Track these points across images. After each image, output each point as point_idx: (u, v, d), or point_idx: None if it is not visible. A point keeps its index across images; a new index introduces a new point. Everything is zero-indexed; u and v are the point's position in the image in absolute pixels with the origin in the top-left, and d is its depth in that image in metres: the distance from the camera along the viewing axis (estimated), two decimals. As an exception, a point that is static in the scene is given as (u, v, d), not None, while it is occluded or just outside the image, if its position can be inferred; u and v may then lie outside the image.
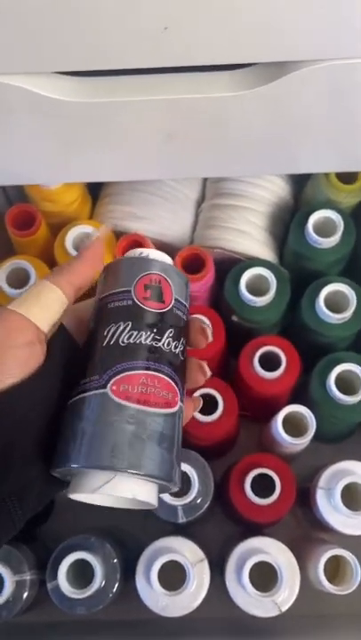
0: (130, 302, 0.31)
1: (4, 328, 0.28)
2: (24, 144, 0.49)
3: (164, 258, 0.33)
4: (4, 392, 0.27)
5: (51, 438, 0.29)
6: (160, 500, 0.56)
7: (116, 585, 0.56)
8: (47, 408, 0.29)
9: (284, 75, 0.42)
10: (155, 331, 0.30)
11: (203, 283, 0.65)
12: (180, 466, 0.30)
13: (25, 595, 0.56)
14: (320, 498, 0.58)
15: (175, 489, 0.29)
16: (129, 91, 0.44)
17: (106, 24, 0.38)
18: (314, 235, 0.63)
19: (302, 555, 0.59)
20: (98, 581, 0.54)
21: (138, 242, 0.65)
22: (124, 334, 0.30)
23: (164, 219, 0.70)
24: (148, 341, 0.30)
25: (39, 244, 0.69)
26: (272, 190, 0.70)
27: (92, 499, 0.30)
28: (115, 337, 0.30)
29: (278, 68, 0.43)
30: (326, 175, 0.66)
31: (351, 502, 0.56)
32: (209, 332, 0.33)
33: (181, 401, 0.30)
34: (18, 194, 0.74)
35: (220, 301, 0.68)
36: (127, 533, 0.66)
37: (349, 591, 0.54)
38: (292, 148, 0.51)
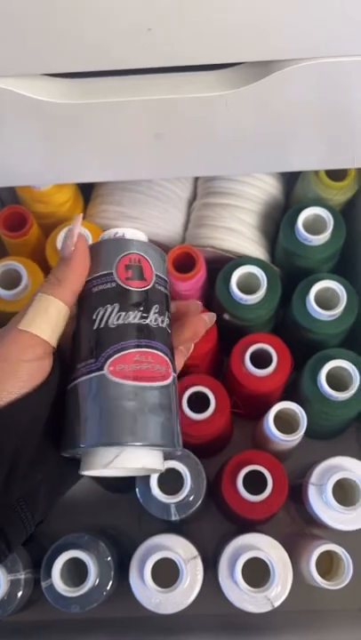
0: (113, 284, 0.31)
1: (17, 345, 0.29)
2: (13, 146, 0.49)
3: (139, 236, 0.34)
4: (18, 400, 0.29)
5: (51, 440, 0.30)
6: (153, 498, 0.57)
7: (110, 583, 0.56)
8: (47, 416, 0.30)
9: (270, 73, 0.43)
10: (141, 309, 0.31)
11: (194, 281, 0.65)
12: (180, 430, 0.31)
13: (19, 594, 0.57)
14: (312, 494, 0.58)
15: (179, 453, 0.31)
16: (116, 91, 0.44)
17: (91, 26, 0.38)
18: (304, 232, 0.63)
19: (295, 550, 0.59)
20: (92, 580, 0.55)
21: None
22: (112, 316, 0.31)
23: (156, 218, 0.70)
24: (136, 320, 0.31)
25: (31, 246, 0.69)
26: (263, 188, 0.70)
27: (103, 472, 0.31)
28: (104, 320, 0.31)
29: (264, 67, 0.43)
30: (316, 173, 0.66)
31: (343, 498, 0.57)
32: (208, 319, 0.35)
33: (174, 370, 0.32)
34: (9, 195, 0.74)
35: (212, 300, 0.69)
36: (121, 531, 0.66)
37: (341, 586, 0.54)
38: (281, 146, 0.51)
